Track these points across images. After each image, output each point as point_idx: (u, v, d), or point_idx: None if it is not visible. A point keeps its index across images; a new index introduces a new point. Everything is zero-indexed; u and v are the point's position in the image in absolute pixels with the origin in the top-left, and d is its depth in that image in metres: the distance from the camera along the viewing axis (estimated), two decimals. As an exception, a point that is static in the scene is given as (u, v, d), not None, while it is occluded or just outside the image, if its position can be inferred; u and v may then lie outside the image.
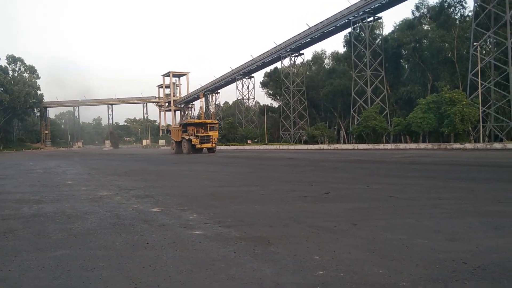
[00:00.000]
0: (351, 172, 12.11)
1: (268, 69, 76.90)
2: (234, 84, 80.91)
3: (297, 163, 18.16)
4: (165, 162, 21.93)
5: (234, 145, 60.12)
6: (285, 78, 63.76)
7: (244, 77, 76.58)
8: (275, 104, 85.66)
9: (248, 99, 79.46)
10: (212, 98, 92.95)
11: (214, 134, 34.01)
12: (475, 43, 37.93)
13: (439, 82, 44.85)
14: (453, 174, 10.88)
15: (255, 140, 68.01)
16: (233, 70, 79.15)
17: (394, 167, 13.81)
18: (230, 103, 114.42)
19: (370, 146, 38.97)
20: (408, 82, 49.97)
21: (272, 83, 75.44)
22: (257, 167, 15.97)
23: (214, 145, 33.72)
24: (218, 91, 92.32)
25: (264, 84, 79.05)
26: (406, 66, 54.44)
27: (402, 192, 7.52)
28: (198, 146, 32.83)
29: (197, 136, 33.48)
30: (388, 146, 37.69)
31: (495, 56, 37.91)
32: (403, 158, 19.48)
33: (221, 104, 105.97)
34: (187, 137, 33.61)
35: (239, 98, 79.35)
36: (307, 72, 73.22)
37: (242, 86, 77.11)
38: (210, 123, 34.69)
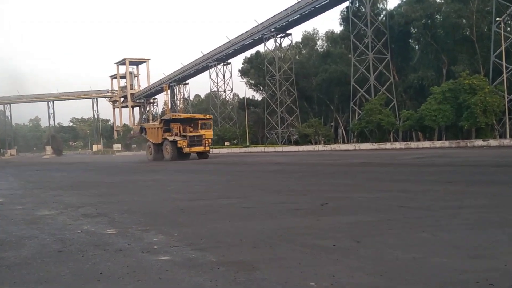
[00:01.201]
0: (352, 178, 12.23)
1: (248, 53, 77.33)
2: (206, 73, 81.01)
3: (286, 168, 18.22)
4: (122, 172, 21.71)
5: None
6: (270, 65, 64.10)
7: (218, 64, 76.66)
8: (258, 97, 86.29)
9: (225, 91, 79.67)
10: (179, 90, 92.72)
11: (208, 133, 33.09)
12: (497, 18, 38.80)
13: (456, 66, 45.77)
14: (475, 177, 11.13)
15: (234, 142, 67.97)
16: (205, 55, 79.17)
17: (404, 171, 14.03)
18: (202, 96, 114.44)
19: (375, 145, 39.46)
20: (419, 67, 50.82)
21: (254, 70, 75.74)
22: (238, 175, 15.98)
23: (207, 148, 32.93)
24: (187, 81, 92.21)
25: (243, 72, 79.28)
26: (416, 47, 55.37)
27: (414, 200, 7.65)
28: (186, 149, 31.61)
29: (185, 136, 32.29)
30: (397, 145, 38.24)
31: (522, 34, 38.97)
32: (415, 160, 19.79)
33: (191, 98, 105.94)
34: (170, 138, 32.11)
35: (213, 90, 79.38)
36: (296, 57, 73.76)
37: (217, 75, 77.21)
38: (201, 119, 33.72)
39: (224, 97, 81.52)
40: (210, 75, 78.05)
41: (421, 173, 13.02)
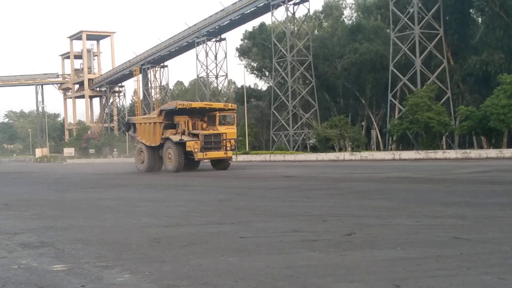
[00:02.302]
0: (390, 199, 12.20)
1: (249, 25, 77.36)
2: (192, 52, 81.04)
3: (299, 184, 18.16)
4: (75, 186, 21.70)
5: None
6: (279, 42, 64.20)
7: (209, 40, 76.81)
8: (262, 85, 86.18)
9: (217, 77, 79.78)
10: (155, 75, 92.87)
11: (230, 131, 31.77)
12: None
13: (534, 46, 45.83)
14: (558, 199, 11.12)
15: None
16: (190, 28, 79.31)
17: (461, 190, 13.98)
18: (186, 84, 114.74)
19: (421, 154, 39.41)
20: (483, 47, 50.76)
21: (257, 49, 75.80)
22: (233, 192, 15.97)
23: (229, 153, 31.58)
24: (166, 63, 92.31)
25: (243, 52, 79.28)
26: (479, 19, 55.32)
27: (474, 230, 7.63)
28: (198, 155, 30.24)
29: (196, 135, 30.87)
30: (451, 153, 38.18)
31: None
32: (476, 174, 19.74)
33: (171, 86, 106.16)
34: (175, 138, 30.49)
35: (200, 76, 79.42)
36: (316, 31, 73.76)
37: (206, 55, 77.29)
38: (221, 109, 32.35)
39: (215, 85, 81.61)
40: (197, 55, 78.11)
41: (485, 193, 12.98)
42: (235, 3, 69.27)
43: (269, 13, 65.23)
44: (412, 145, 49.26)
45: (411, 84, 49.87)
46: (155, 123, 32.59)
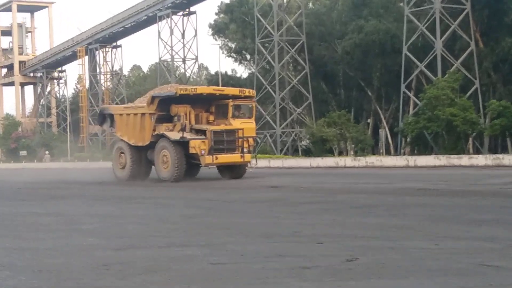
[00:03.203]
0: (402, 216, 12.26)
1: (225, -4, 77.02)
2: (153, 28, 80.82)
3: (288, 196, 18.15)
4: (1, 197, 21.51)
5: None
6: (263, 17, 64.18)
7: (174, 14, 76.49)
8: (243, 72, 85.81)
9: (184, 61, 79.53)
10: (105, 57, 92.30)
11: (247, 126, 30.37)
12: None
13: None
14: None
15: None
16: (149, -3, 78.86)
17: (491, 205, 14.10)
18: (145, 69, 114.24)
19: (442, 160, 39.56)
20: (521, 27, 51.22)
21: (236, 26, 75.57)
22: (204, 206, 15.97)
23: (247, 156, 30.17)
24: (119, 42, 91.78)
25: (218, 29, 79.01)
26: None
27: (505, 256, 7.69)
28: (206, 160, 28.74)
29: (203, 131, 29.35)
30: (480, 159, 38.33)
31: None
32: (510, 186, 19.85)
33: (125, 71, 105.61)
34: (174, 135, 28.94)
35: (163, 59, 79.15)
36: (310, 4, 73.70)
37: (171, 32, 77.00)
38: (235, 97, 30.96)
39: (183, 70, 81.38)
40: (159, 33, 77.69)
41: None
42: (209, -34, 69.17)
43: (252, -20, 65.27)
44: (430, 148, 49.45)
45: (429, 72, 50.10)
46: (143, 114, 30.94)
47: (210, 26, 79.87)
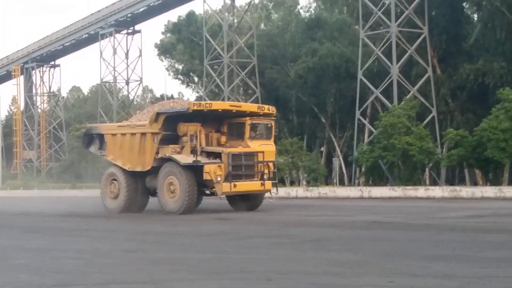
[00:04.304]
0: (357, 251, 12.34)
1: (173, 14, 77.24)
2: (95, 47, 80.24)
3: (237, 229, 18.16)
4: None
5: (90, 187, 58.97)
6: (212, 37, 64.28)
7: (118, 32, 76.18)
8: (190, 95, 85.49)
9: (128, 83, 79.13)
10: (42, 77, 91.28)
11: (267, 148, 28.42)
12: None
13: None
14: None
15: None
16: (92, 15, 78.51)
17: (448, 239, 14.26)
18: (85, 91, 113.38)
19: (398, 191, 39.85)
20: (479, 52, 52.05)
21: (183, 47, 75.53)
22: (146, 240, 15.91)
23: (268, 184, 27.98)
24: (58, 61, 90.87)
25: (164, 49, 78.88)
26: (475, 17, 56.66)
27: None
28: (223, 188, 26.42)
29: (216, 155, 27.23)
30: (436, 191, 38.65)
31: None
32: (469, 220, 20.12)
33: (64, 93, 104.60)
34: (184, 159, 26.76)
35: (105, 81, 78.71)
36: (262, 26, 74.04)
37: (114, 52, 76.65)
38: (253, 114, 28.63)
39: (126, 92, 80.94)
40: (101, 52, 77.16)
41: (479, 244, 13.23)
42: (153, -16, 69.11)
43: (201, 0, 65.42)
44: (386, 179, 49.70)
45: (385, 99, 50.51)
46: (143, 134, 28.34)
47: (156, 46, 79.90)
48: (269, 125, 28.73)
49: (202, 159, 26.38)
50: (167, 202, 26.51)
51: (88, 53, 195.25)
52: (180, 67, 79.09)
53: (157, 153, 27.46)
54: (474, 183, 46.87)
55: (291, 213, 25.25)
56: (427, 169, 48.02)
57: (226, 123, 28.48)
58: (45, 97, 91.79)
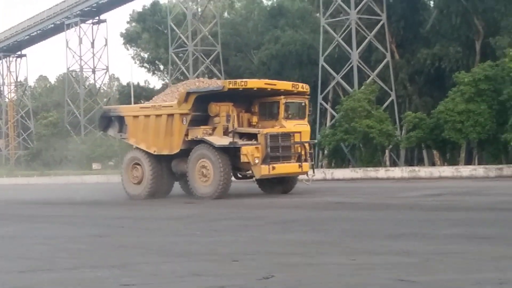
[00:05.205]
0: (320, 231, 12.43)
1: (138, 4, 77.07)
2: (60, 37, 79.39)
3: (205, 212, 18.20)
4: None
5: (58, 174, 58.68)
6: (177, 26, 64.04)
7: (83, 22, 75.62)
8: (156, 82, 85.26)
9: (94, 71, 78.65)
10: (9, 67, 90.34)
11: (303, 128, 26.69)
12: None
13: (497, 37, 47.58)
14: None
15: (111, 163, 66.93)
16: (58, 5, 77.79)
17: (408, 218, 14.42)
18: (52, 80, 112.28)
19: (359, 172, 40.12)
20: (436, 38, 52.46)
21: (149, 35, 75.11)
22: (114, 225, 15.88)
23: (306, 166, 26.24)
24: (24, 51, 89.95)
25: (129, 39, 78.31)
26: (431, 3, 57.07)
27: (423, 270, 7.86)
28: (262, 169, 24.54)
29: (252, 136, 25.45)
30: (396, 172, 39.02)
31: None
32: (427, 198, 20.32)
33: (31, 82, 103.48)
34: (220, 140, 25.02)
35: (72, 69, 78.11)
36: (225, 14, 73.85)
37: (80, 41, 76.06)
38: (288, 92, 26.78)
39: (92, 81, 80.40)
40: (67, 42, 76.59)
41: (437, 222, 13.39)
42: (119, -27, 68.71)
43: (165, -12, 65.11)
44: (347, 161, 49.96)
45: (346, 84, 50.75)
46: (170, 115, 26.20)
47: (122, 35, 79.24)
48: (303, 104, 26.82)
49: (238, 141, 24.60)
50: (199, 186, 24.60)
51: (54, 42, 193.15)
52: (146, 55, 78.67)
53: (186, 135, 25.50)
54: (432, 164, 47.31)
55: (255, 196, 25.18)
56: (387, 151, 48.30)
57: (257, 103, 26.62)
58: (12, 87, 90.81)
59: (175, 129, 25.66)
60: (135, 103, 63.76)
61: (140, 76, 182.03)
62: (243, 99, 26.35)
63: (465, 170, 36.17)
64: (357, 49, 49.82)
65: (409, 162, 50.15)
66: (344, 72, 50.85)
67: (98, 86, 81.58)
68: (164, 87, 71.10)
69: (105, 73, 79.79)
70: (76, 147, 67.49)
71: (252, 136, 24.78)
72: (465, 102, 39.81)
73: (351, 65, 50.04)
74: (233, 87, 24.82)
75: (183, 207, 20.93)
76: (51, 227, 15.93)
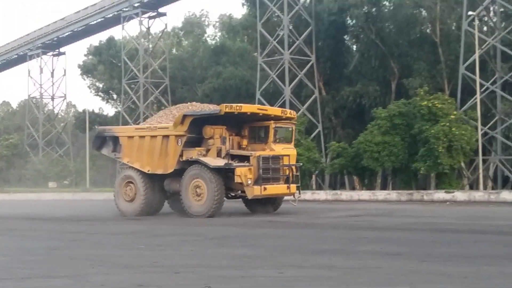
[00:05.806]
0: (252, 246, 12.52)
1: (95, 39, 76.41)
2: (23, 67, 78.26)
3: (150, 228, 18.05)
4: None
5: (17, 192, 57.51)
6: (130, 60, 63.74)
7: (45, 54, 74.77)
8: (110, 110, 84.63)
9: (53, 98, 77.59)
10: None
11: (291, 152, 26.10)
12: (470, 13, 41.89)
13: (410, 78, 48.59)
14: (433, 249, 11.86)
15: (66, 183, 65.92)
16: (22, 38, 76.94)
17: (330, 236, 14.59)
18: (14, 105, 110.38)
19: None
20: (357, 77, 53.29)
21: (104, 67, 74.66)
22: (67, 238, 15.62)
23: (293, 188, 25.41)
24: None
25: (86, 70, 77.76)
26: (354, 47, 58.07)
27: (342, 283, 7.95)
28: (255, 190, 23.59)
29: (244, 158, 24.57)
30: (321, 194, 39.20)
31: (503, 37, 42.18)
32: (347, 219, 20.58)
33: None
34: (214, 162, 24.06)
35: (32, 96, 76.98)
36: (174, 50, 73.88)
37: (41, 71, 75.05)
38: (277, 117, 26.13)
39: (51, 107, 79.23)
40: (29, 71, 75.63)
41: (355, 240, 13.56)
42: (79, 11, 68.04)
43: (120, 26, 64.62)
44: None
45: (279, 116, 51.09)
46: (165, 137, 25.19)
47: (79, 66, 78.61)
48: (290, 129, 26.23)
49: (236, 164, 23.71)
50: (193, 205, 23.53)
51: (17, 71, 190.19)
52: (101, 85, 78.11)
53: (181, 155, 24.51)
54: (353, 188, 47.64)
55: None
56: (313, 176, 48.62)
57: (248, 127, 25.78)
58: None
59: (170, 150, 24.78)
60: (89, 129, 63.13)
61: (95, 103, 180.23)
62: (234, 123, 25.62)
63: (380, 194, 36.55)
64: (289, 85, 50.26)
65: (333, 186, 50.51)
66: (278, 105, 51.09)
67: (56, 112, 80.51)
68: (117, 114, 70.70)
69: (63, 100, 78.88)
70: (34, 167, 66.55)
71: (244, 158, 24.04)
72: (382, 135, 40.34)
73: (284, 99, 50.41)
74: (229, 111, 24.30)
75: (130, 223, 20.73)
76: (9, 239, 15.56)
